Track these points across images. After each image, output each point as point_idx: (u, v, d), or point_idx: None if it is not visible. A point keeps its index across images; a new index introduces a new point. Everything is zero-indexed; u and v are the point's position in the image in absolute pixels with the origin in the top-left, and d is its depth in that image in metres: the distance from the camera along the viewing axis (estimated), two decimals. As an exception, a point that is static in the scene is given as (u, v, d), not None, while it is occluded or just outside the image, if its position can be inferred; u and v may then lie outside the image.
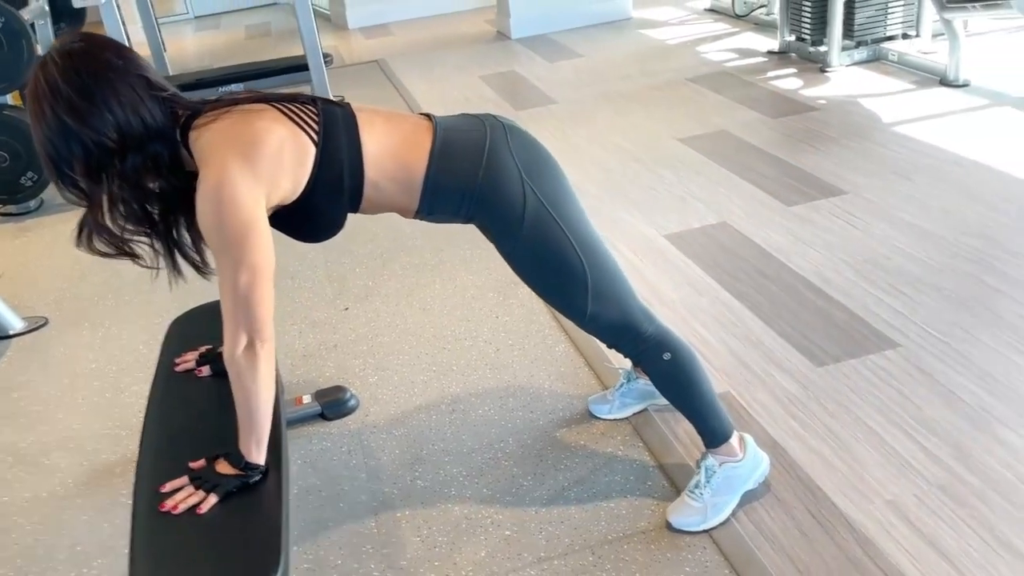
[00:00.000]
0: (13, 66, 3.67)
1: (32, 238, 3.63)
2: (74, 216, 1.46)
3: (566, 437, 2.05)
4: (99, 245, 1.45)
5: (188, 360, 1.85)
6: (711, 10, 6.18)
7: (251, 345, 1.39)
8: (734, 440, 1.75)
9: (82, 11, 4.46)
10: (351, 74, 5.67)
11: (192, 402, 1.75)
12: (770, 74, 4.59)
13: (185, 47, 7.31)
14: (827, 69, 4.52)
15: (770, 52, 4.99)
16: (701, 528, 1.71)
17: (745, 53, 5.03)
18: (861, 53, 4.55)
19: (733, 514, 1.74)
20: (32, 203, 3.89)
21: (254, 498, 1.44)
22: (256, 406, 1.43)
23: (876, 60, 4.56)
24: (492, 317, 2.60)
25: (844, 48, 4.53)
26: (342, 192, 1.51)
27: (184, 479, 1.44)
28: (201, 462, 1.47)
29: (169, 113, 1.43)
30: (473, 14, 7.04)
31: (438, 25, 6.86)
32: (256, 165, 1.38)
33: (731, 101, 4.23)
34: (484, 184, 1.56)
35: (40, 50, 3.92)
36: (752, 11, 5.71)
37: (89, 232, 1.44)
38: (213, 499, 1.41)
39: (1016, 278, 2.44)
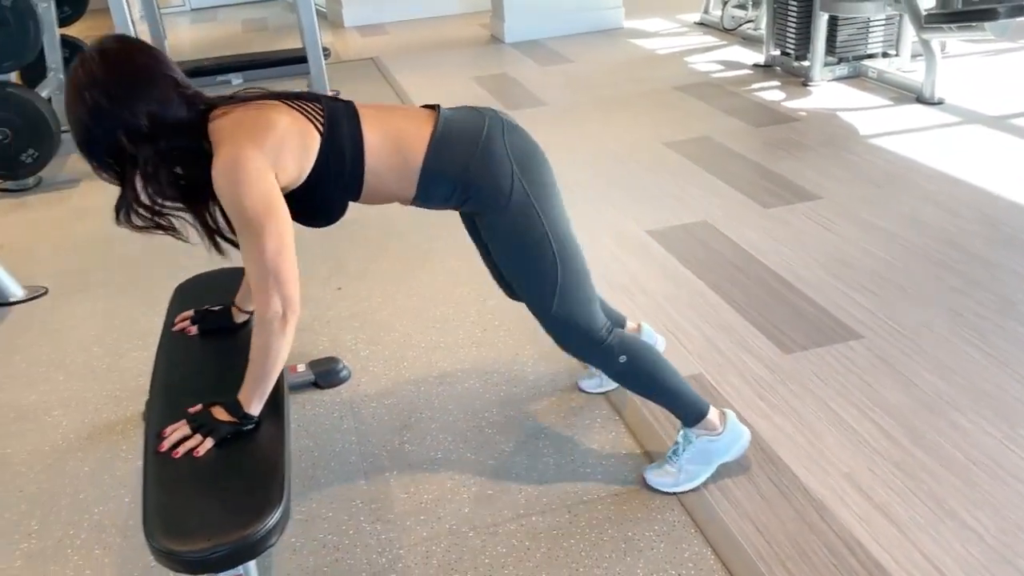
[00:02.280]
0: (19, 45, 3.76)
1: (30, 213, 3.71)
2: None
3: (547, 409, 2.17)
4: (136, 220, 1.56)
5: (183, 321, 1.96)
6: (700, 23, 6.36)
7: (284, 314, 1.50)
8: (713, 416, 1.85)
9: (86, -4, 4.55)
10: (347, 70, 5.79)
11: (191, 359, 1.85)
12: (754, 86, 4.75)
13: (182, 38, 7.40)
14: (809, 83, 4.69)
15: (755, 65, 5.16)
16: (672, 490, 1.84)
17: (731, 65, 5.20)
18: (842, 69, 4.72)
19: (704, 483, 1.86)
20: (31, 180, 3.95)
21: (258, 443, 1.54)
22: (273, 366, 1.54)
23: (856, 76, 4.74)
24: (479, 300, 2.72)
25: (826, 64, 4.70)
26: (343, 180, 1.61)
27: (183, 423, 1.54)
28: (198, 407, 1.57)
29: (193, 108, 1.54)
30: (468, 18, 7.17)
31: (433, 27, 6.99)
32: (263, 145, 1.48)
33: (716, 109, 4.38)
34: (475, 171, 1.65)
35: (44, 31, 4.02)
36: (740, 26, 5.89)
37: (126, 210, 1.55)
38: (209, 443, 1.51)
39: (974, 279, 2.59)
